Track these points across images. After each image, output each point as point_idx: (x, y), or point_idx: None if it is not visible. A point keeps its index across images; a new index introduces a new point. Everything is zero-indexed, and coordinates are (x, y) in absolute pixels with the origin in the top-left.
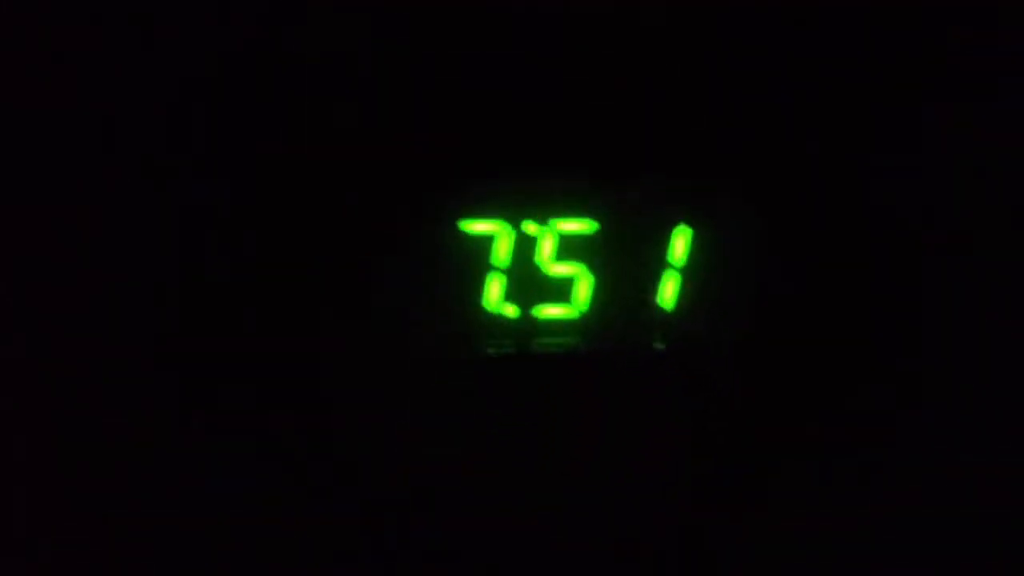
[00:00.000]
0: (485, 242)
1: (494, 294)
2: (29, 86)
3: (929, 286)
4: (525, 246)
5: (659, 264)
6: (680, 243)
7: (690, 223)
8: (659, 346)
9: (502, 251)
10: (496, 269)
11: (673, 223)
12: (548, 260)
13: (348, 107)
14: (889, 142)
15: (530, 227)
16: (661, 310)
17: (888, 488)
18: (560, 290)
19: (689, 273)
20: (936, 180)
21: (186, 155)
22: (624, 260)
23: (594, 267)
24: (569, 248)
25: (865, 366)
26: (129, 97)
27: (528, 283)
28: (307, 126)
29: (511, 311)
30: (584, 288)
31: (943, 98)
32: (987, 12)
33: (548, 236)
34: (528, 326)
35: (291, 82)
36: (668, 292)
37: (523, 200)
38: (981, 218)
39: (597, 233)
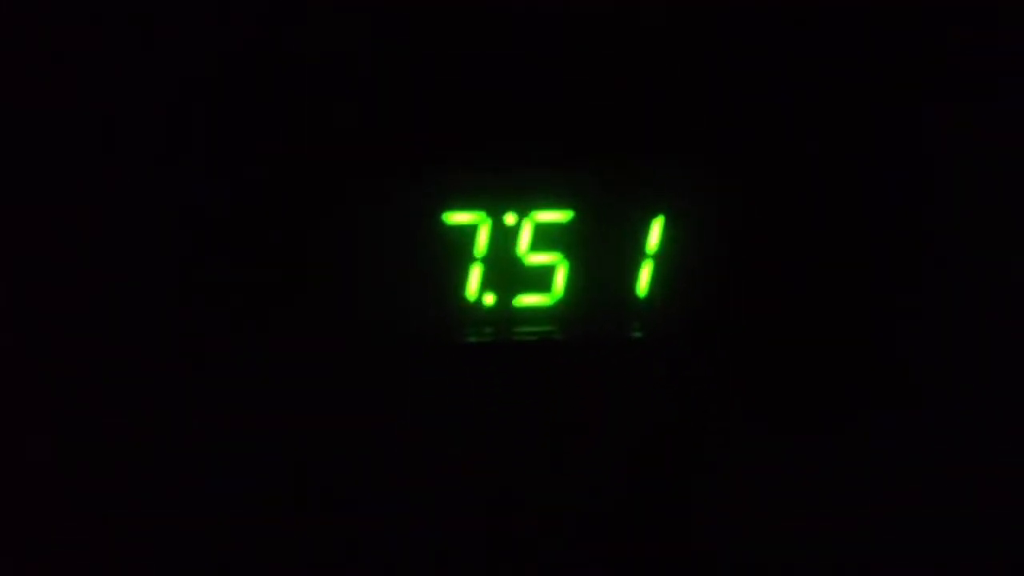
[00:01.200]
0: (466, 233)
1: (474, 283)
2: (29, 86)
3: (908, 272)
4: (504, 236)
5: (634, 252)
6: (655, 231)
7: (664, 211)
8: (636, 333)
9: (482, 241)
10: (476, 259)
11: (648, 211)
12: (526, 250)
13: (337, 105)
14: (865, 133)
15: (509, 218)
16: (636, 297)
17: (868, 471)
18: (538, 279)
19: (663, 261)
20: (916, 168)
21: (187, 155)
22: (600, 248)
23: (570, 256)
24: (546, 237)
25: (842, 352)
26: (129, 97)
27: (507, 272)
28: (296, 123)
29: (490, 300)
30: (561, 276)
31: (930, 92)
32: (987, 12)
33: (526, 226)
34: (507, 314)
35: (282, 81)
36: (643, 280)
37: (502, 191)
38: (954, 203)
39: (573, 222)
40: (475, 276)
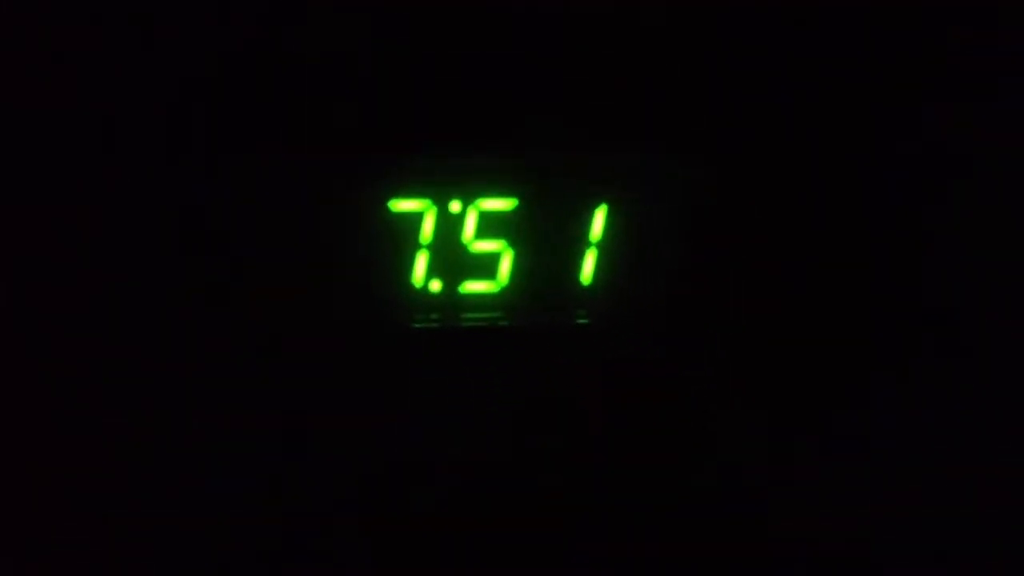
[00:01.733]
0: (412, 220)
1: (420, 270)
2: (29, 86)
3: (853, 249)
4: (449, 224)
5: (578, 240)
6: (598, 219)
7: (607, 200)
8: (580, 320)
9: (427, 229)
10: (422, 246)
11: (591, 200)
12: (471, 237)
13: (283, 94)
14: (814, 119)
15: (454, 205)
16: (580, 285)
17: (817, 452)
18: (483, 266)
19: (607, 248)
20: (868, 146)
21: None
22: (544, 236)
23: (515, 243)
24: (491, 225)
25: (786, 336)
26: (129, 97)
27: (452, 260)
28: (240, 111)
29: (436, 286)
30: (506, 264)
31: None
32: (987, 12)
33: (471, 214)
34: (453, 301)
35: (228, 70)
36: (588, 267)
37: (448, 179)
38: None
39: (517, 210)
40: (421, 263)
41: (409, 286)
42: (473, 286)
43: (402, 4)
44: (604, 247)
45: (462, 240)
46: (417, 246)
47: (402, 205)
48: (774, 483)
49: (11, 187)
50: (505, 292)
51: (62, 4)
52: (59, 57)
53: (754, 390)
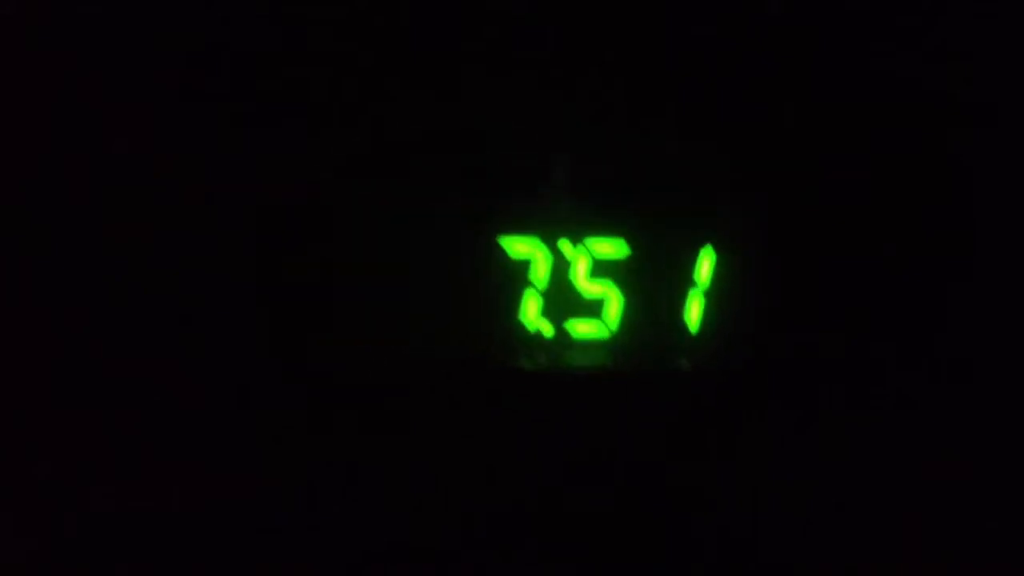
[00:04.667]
0: (525, 261)
1: (531, 311)
2: (28, 85)
3: (950, 295)
4: (561, 265)
5: (686, 285)
6: (705, 265)
7: (714, 244)
8: (685, 366)
9: (540, 269)
10: (533, 287)
11: (699, 244)
12: (582, 279)
13: (394, 122)
14: (918, 161)
15: (566, 247)
16: (687, 331)
17: (925, 513)
18: (592, 309)
19: (714, 294)
20: (971, 198)
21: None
22: (653, 281)
23: (624, 287)
24: (602, 268)
25: (887, 384)
26: (128, 96)
27: (563, 301)
28: (353, 140)
29: (546, 328)
30: (615, 308)
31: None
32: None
33: (582, 256)
34: (562, 342)
35: (340, 93)
36: (694, 313)
37: (559, 220)
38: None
39: (628, 255)
40: (532, 304)
41: (521, 326)
42: (582, 328)
43: (518, 47)
44: (711, 292)
45: (574, 283)
46: (529, 286)
47: (515, 245)
48: (888, 533)
49: (11, 187)
50: (614, 337)
51: (62, 4)
52: (58, 56)
53: (866, 444)
